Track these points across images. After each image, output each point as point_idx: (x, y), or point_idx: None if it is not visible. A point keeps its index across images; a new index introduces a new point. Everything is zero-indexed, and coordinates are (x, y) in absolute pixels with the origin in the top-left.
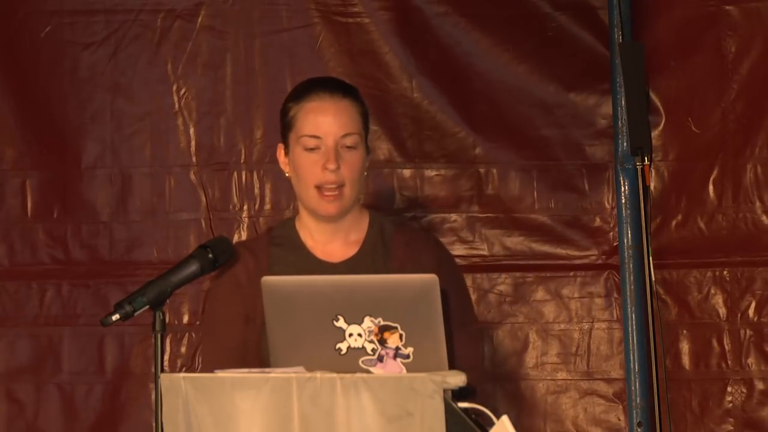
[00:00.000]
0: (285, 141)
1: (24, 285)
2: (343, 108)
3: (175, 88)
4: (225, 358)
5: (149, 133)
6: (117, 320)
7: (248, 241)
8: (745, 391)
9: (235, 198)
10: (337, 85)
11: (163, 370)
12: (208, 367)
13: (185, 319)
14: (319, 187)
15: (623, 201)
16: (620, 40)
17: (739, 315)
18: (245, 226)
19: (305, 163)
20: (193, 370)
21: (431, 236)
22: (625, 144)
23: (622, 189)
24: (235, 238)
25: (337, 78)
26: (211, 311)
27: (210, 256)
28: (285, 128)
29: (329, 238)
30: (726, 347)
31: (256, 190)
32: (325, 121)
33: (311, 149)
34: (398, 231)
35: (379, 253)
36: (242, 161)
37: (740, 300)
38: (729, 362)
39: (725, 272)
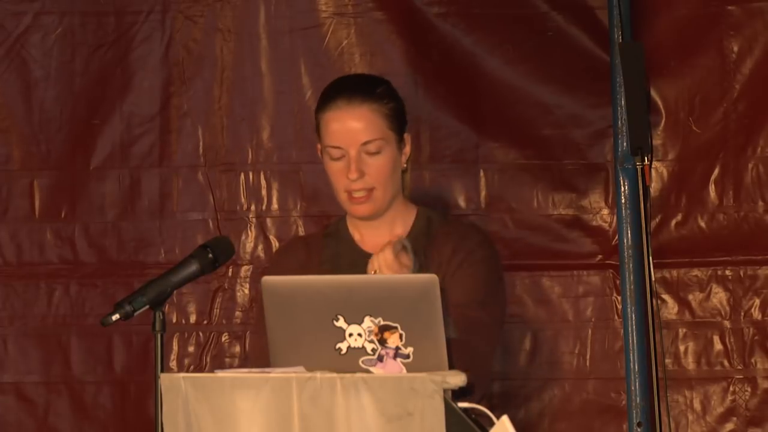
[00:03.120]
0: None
1: (32, 285)
2: (362, 115)
3: (183, 88)
4: (257, 350)
5: (157, 133)
6: (117, 320)
7: (305, 235)
8: (749, 389)
9: (242, 198)
10: (357, 88)
11: (169, 370)
12: (252, 359)
13: (192, 318)
14: (348, 192)
15: (623, 201)
16: (620, 41)
17: (742, 313)
18: (252, 226)
19: (333, 171)
20: (201, 370)
21: (476, 227)
22: (625, 144)
23: (622, 189)
24: (243, 239)
25: (362, 76)
26: (259, 305)
27: (210, 256)
28: (317, 134)
29: (374, 232)
30: (728, 346)
31: (263, 191)
32: (344, 132)
33: (336, 159)
34: (444, 223)
35: (421, 244)
36: (249, 162)
37: (743, 298)
38: (732, 361)
39: (727, 271)
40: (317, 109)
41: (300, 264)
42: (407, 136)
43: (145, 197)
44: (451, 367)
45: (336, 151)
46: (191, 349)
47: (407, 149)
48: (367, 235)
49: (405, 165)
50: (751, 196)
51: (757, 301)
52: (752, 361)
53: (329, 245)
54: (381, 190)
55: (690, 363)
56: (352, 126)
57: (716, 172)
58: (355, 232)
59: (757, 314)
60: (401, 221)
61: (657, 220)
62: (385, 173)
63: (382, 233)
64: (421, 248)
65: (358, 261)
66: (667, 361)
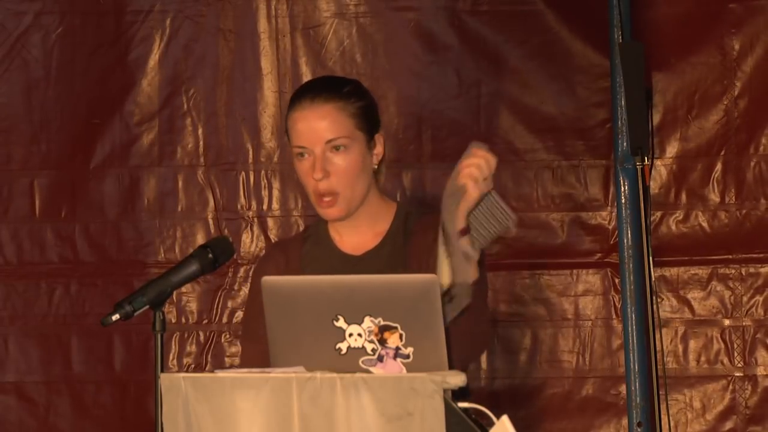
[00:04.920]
0: None
1: (33, 284)
2: (326, 113)
3: (183, 88)
4: (253, 357)
5: (157, 133)
6: (117, 320)
7: (284, 240)
8: (749, 387)
9: (242, 198)
10: (322, 87)
11: (169, 369)
12: (242, 366)
13: (192, 318)
14: (316, 194)
15: (623, 201)
16: (620, 40)
17: (743, 311)
18: (253, 226)
19: (300, 171)
20: (201, 369)
21: None
22: (625, 144)
23: (622, 189)
24: (243, 238)
25: (329, 77)
26: (245, 311)
27: (210, 256)
28: (287, 137)
29: (352, 232)
30: (729, 344)
31: (264, 190)
32: (309, 131)
33: (302, 158)
34: (421, 218)
35: (399, 242)
36: (250, 161)
37: (744, 296)
38: (733, 359)
39: (728, 269)
40: (287, 112)
41: (280, 271)
42: (379, 137)
43: (145, 197)
44: (454, 352)
45: (302, 151)
46: (191, 348)
47: (379, 150)
48: (347, 236)
49: (377, 166)
50: (754, 193)
51: (759, 299)
52: (753, 359)
53: (308, 249)
54: (348, 192)
55: (691, 361)
56: (316, 125)
57: (718, 169)
58: (335, 233)
59: (758, 312)
60: (380, 219)
61: (658, 218)
62: (351, 174)
63: (361, 232)
64: (399, 245)
65: (337, 264)
66: (668, 359)
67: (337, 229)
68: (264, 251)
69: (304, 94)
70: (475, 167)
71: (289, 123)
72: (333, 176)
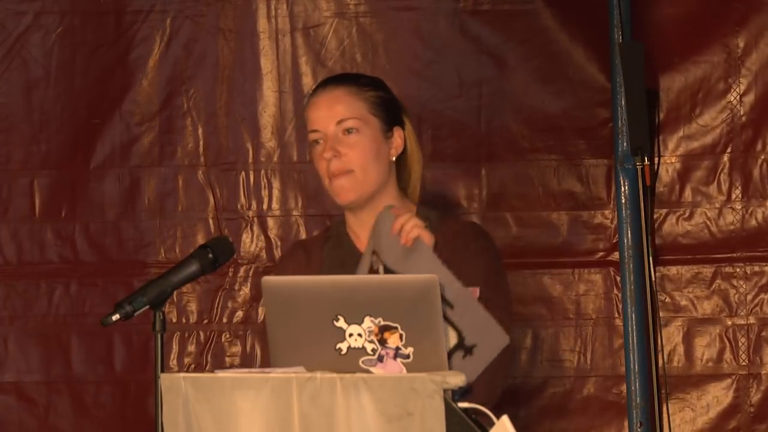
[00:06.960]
0: None
1: (32, 284)
2: (337, 96)
3: (183, 88)
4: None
5: (157, 133)
6: (117, 320)
7: (306, 240)
8: (754, 386)
9: (242, 197)
10: (338, 77)
11: (169, 369)
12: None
13: (193, 318)
14: (329, 177)
15: (623, 201)
16: (620, 40)
17: (748, 310)
18: (253, 226)
19: (314, 156)
20: (201, 369)
21: (472, 222)
22: (625, 144)
23: (622, 189)
24: (243, 238)
25: (349, 73)
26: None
27: (210, 256)
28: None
29: (367, 231)
30: (733, 343)
31: (264, 190)
32: (319, 114)
33: (316, 142)
34: (444, 223)
35: None
36: (250, 161)
37: (749, 295)
38: (738, 358)
39: (733, 268)
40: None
41: (300, 270)
42: (398, 130)
43: (145, 197)
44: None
45: (316, 135)
46: (192, 348)
47: (397, 143)
48: (364, 236)
49: (394, 158)
50: (760, 191)
51: (764, 298)
52: (757, 357)
53: (329, 250)
54: (361, 172)
55: (695, 360)
56: (328, 108)
57: (724, 167)
58: (352, 233)
59: (763, 311)
60: None
61: (661, 215)
62: (364, 155)
63: None
64: None
65: (355, 264)
66: (671, 358)
67: (353, 229)
68: (284, 251)
69: (320, 85)
70: (413, 220)
71: (305, 114)
72: (344, 156)
